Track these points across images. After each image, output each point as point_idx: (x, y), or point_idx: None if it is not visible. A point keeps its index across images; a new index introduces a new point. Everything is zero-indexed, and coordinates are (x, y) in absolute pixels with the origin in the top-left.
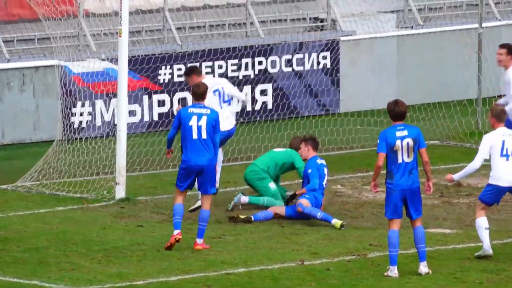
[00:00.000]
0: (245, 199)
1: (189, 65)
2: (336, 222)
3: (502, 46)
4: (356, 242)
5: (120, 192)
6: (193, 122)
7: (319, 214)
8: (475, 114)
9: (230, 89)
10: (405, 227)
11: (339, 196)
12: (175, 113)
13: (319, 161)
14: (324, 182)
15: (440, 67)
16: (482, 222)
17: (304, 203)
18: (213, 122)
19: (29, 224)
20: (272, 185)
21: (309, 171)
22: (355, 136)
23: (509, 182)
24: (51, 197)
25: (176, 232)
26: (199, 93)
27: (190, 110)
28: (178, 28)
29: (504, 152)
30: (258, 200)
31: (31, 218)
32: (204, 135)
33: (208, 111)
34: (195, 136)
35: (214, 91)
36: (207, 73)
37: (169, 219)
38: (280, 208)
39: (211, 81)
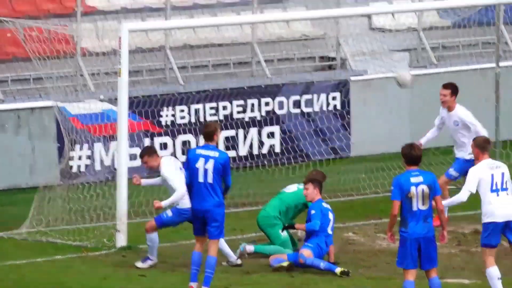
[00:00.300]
0: (250, 248)
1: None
2: (339, 270)
3: (445, 86)
4: None
5: (121, 240)
6: (199, 164)
7: (322, 264)
8: (493, 157)
9: None
10: (421, 277)
11: (351, 244)
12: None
13: (325, 205)
14: (329, 228)
15: None
16: (493, 272)
17: (305, 253)
18: (220, 166)
19: (26, 273)
20: (283, 232)
21: (313, 212)
22: (367, 182)
23: (503, 217)
24: (49, 245)
25: (191, 284)
26: (207, 133)
27: (198, 151)
28: (181, 67)
29: (494, 187)
30: (264, 249)
31: (28, 267)
32: (210, 179)
33: (216, 154)
34: (201, 179)
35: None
36: (211, 114)
37: (173, 268)
38: (283, 255)
39: (174, 160)
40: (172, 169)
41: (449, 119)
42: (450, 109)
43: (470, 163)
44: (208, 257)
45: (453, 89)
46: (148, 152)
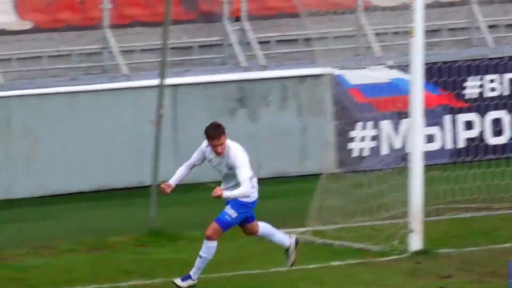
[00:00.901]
0: None
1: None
2: None
3: None
4: None
5: (416, 242)
6: None
7: None
8: None
9: None
10: None
11: None
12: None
13: None
14: None
15: None
16: None
17: None
18: None
19: (298, 283)
20: None
21: None
22: None
23: None
24: (323, 248)
25: None
26: None
27: None
28: (491, 26)
29: None
30: None
31: (298, 275)
32: None
33: None
34: None
35: None
36: None
37: (481, 278)
38: None
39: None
40: (243, 153)
41: None
42: None
43: None
44: None
45: None
46: (224, 130)
